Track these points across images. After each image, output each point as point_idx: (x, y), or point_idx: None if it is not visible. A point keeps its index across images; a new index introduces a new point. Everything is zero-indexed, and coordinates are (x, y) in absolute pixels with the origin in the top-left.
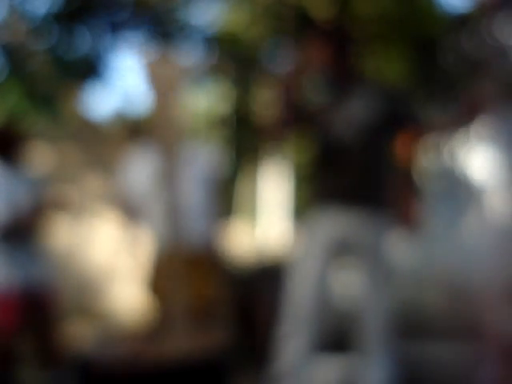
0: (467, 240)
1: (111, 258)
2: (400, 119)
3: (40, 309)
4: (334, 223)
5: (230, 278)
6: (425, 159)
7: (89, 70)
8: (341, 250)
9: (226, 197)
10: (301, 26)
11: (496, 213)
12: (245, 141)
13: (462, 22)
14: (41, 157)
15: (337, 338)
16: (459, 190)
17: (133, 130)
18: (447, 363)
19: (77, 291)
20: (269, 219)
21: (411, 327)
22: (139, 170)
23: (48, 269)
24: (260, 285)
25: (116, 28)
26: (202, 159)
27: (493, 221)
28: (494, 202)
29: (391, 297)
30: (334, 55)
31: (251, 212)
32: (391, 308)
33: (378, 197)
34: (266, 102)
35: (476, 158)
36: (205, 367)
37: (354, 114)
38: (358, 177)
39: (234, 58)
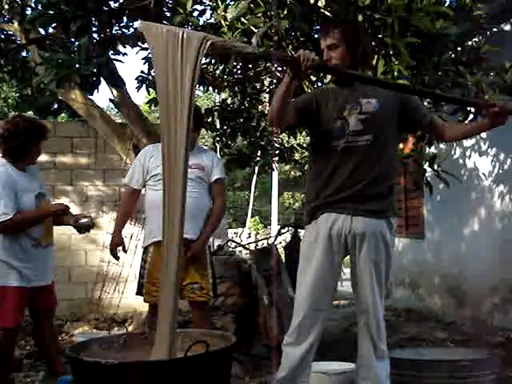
0: (469, 242)
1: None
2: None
3: (40, 310)
4: (338, 220)
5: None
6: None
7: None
8: (346, 247)
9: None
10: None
11: (497, 213)
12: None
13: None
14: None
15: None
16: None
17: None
18: (448, 365)
19: (74, 294)
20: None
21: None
22: (140, 169)
23: (49, 270)
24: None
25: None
26: (202, 155)
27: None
28: (495, 202)
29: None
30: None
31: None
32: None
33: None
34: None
35: (479, 158)
36: (204, 359)
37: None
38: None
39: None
